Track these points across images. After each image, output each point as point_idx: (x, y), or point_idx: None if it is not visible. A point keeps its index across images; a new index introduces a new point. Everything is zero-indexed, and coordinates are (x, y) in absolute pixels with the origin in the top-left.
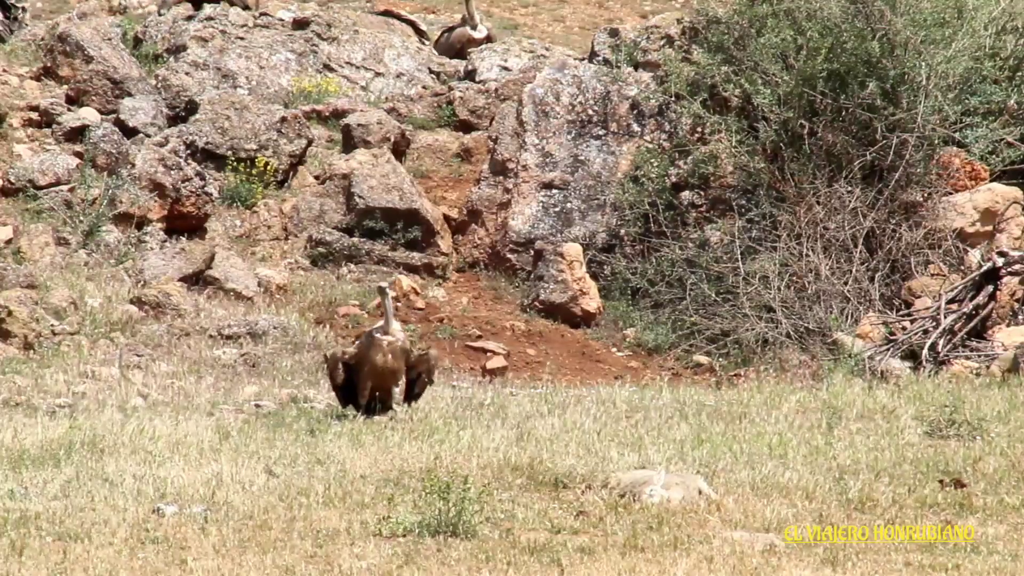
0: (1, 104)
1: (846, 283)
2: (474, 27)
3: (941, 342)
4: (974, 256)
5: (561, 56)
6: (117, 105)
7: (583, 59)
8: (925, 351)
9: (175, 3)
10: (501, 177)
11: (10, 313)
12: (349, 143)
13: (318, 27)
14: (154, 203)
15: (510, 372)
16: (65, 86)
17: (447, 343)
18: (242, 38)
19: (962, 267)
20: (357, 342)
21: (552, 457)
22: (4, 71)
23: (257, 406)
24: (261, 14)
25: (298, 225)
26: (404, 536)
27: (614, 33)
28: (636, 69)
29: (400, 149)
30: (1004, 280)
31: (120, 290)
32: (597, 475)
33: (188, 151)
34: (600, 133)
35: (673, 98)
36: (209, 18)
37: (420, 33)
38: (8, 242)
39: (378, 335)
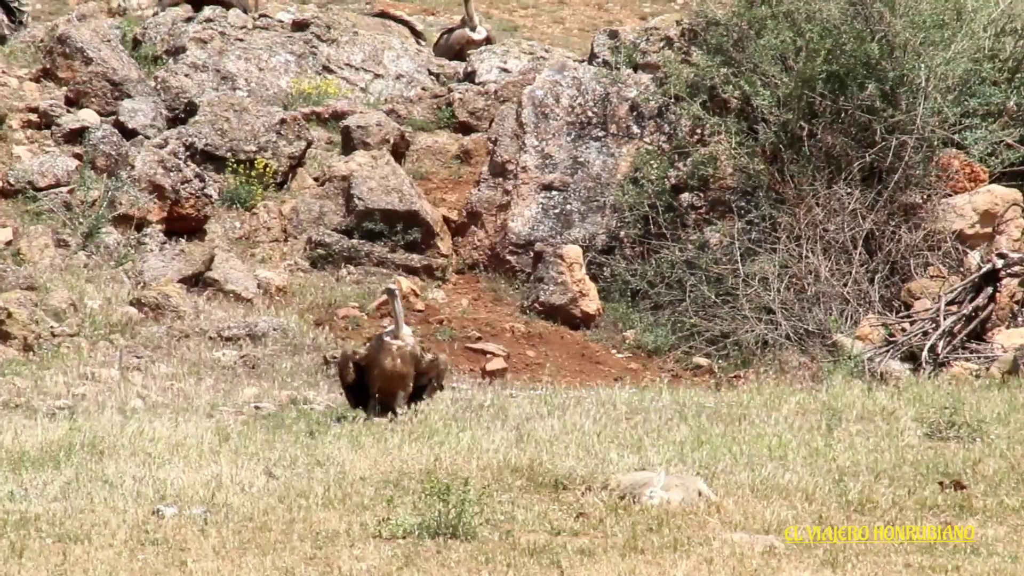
0: (0, 106)
1: (845, 285)
2: (473, 29)
3: (941, 344)
4: (973, 258)
5: (560, 58)
6: (116, 107)
7: (582, 61)
8: (925, 353)
9: (171, 4)
10: (501, 179)
11: (10, 315)
12: (348, 145)
13: (317, 29)
14: (153, 205)
15: (510, 374)
16: (64, 88)
17: (447, 345)
18: (241, 40)
19: (961, 269)
20: (367, 344)
21: (552, 459)
22: (3, 73)
23: (257, 408)
24: (260, 15)
25: (297, 227)
26: (404, 538)
27: (613, 35)
28: (635, 71)
29: (399, 151)
30: (1003, 282)
31: (120, 292)
32: (597, 477)
33: (187, 153)
34: (600, 135)
35: (673, 100)
36: (208, 20)
37: (416, 34)
38: (8, 244)
39: (388, 339)
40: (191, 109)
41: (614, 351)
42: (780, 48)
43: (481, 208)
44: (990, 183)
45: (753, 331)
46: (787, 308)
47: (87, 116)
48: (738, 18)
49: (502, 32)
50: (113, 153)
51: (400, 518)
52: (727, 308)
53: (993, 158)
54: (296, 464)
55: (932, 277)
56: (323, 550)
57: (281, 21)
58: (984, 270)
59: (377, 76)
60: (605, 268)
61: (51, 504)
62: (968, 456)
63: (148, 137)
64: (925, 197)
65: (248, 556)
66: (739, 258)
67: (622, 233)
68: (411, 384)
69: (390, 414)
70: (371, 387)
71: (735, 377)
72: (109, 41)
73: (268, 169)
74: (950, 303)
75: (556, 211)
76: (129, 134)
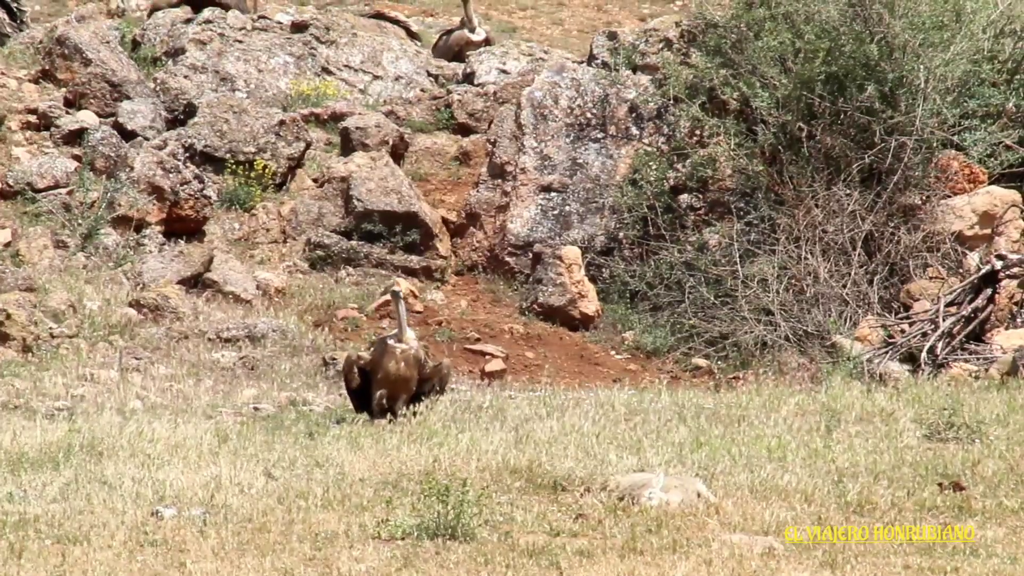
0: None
1: (845, 286)
2: (472, 30)
3: (940, 345)
4: (973, 259)
5: (560, 59)
6: (115, 108)
7: (581, 62)
8: (924, 354)
9: (168, 5)
10: (499, 180)
11: (9, 316)
12: (347, 146)
13: (316, 30)
14: (152, 206)
15: (509, 375)
16: (63, 89)
17: (445, 346)
18: (240, 41)
19: (960, 270)
20: (371, 348)
21: (551, 460)
22: (2, 74)
23: (256, 409)
24: (259, 17)
25: (296, 228)
26: (403, 539)
27: (612, 36)
28: (635, 72)
29: (398, 152)
30: (1002, 283)
31: (119, 293)
32: (596, 478)
33: (186, 154)
34: (599, 136)
35: (671, 101)
36: (207, 21)
37: (413, 35)
38: (7, 245)
39: (392, 342)
40: (190, 110)
41: (613, 352)
42: (779, 49)
43: (480, 209)
44: (989, 184)
45: (752, 332)
46: (786, 309)
47: (86, 117)
48: (737, 19)
49: (501, 33)
50: (112, 154)
51: (399, 519)
52: (726, 309)
53: (992, 159)
54: (295, 465)
55: (931, 278)
56: (322, 551)
57: (280, 23)
58: (983, 271)
59: (376, 77)
60: (604, 269)
61: (50, 505)
62: (967, 457)
63: (147, 138)
64: (924, 198)
65: (247, 557)
66: (738, 259)
67: (621, 234)
68: (414, 388)
69: (389, 415)
70: (374, 391)
71: (734, 378)
72: (108, 42)
73: (267, 170)
74: (949, 304)
75: (555, 212)
76: (128, 135)
